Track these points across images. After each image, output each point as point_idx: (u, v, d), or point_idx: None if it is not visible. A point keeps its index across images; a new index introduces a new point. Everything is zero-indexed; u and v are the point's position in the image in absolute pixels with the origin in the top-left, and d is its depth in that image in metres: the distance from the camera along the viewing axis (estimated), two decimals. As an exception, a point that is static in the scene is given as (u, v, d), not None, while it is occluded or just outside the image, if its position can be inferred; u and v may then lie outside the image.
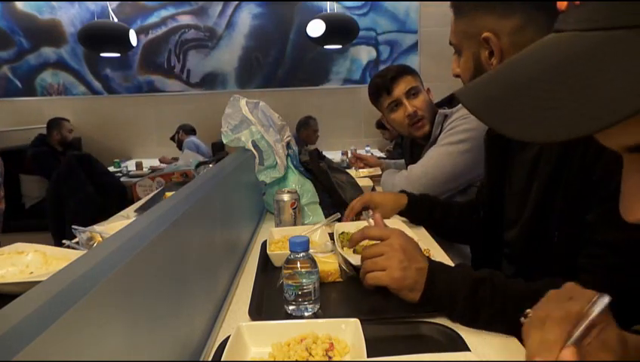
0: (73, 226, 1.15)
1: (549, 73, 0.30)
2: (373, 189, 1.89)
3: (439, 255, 1.13)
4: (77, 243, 1.13)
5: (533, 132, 0.29)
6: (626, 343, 0.52)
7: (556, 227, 0.87)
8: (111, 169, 3.99)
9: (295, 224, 1.34)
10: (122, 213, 1.71)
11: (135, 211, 1.72)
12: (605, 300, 0.49)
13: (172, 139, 4.43)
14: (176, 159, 4.12)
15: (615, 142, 0.33)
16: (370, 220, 1.20)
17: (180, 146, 4.37)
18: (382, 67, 5.10)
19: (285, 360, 0.65)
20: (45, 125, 4.07)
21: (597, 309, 0.48)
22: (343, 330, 0.70)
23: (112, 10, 4.47)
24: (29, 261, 0.99)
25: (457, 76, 1.04)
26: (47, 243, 1.09)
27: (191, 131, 4.39)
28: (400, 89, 1.65)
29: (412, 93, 1.66)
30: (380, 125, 4.46)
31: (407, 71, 1.71)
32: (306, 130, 4.19)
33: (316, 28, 3.99)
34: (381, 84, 1.69)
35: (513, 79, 0.32)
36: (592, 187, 0.79)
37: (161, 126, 4.85)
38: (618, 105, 0.26)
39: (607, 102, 0.26)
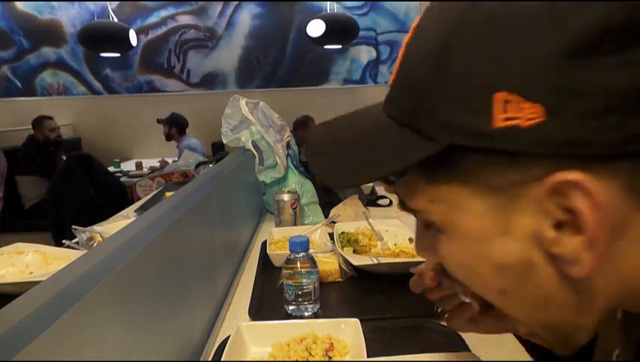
0: (73, 226, 1.15)
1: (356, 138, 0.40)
2: (372, 190, 1.89)
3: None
4: (77, 243, 1.13)
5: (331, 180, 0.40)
6: None
7: None
8: (111, 169, 3.98)
9: (295, 224, 1.34)
10: (122, 213, 1.71)
11: (135, 211, 1.72)
12: None
13: (158, 121, 4.38)
14: (167, 162, 4.12)
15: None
16: (371, 220, 1.21)
17: (169, 139, 4.34)
18: (382, 67, 5.15)
19: (285, 360, 0.65)
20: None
21: None
22: (343, 330, 0.70)
23: (112, 10, 4.47)
24: (28, 261, 0.99)
25: None
26: (47, 243, 1.09)
27: (183, 128, 4.35)
28: None
29: None
30: None
31: None
32: (303, 131, 4.18)
33: (316, 28, 3.99)
34: None
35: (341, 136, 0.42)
36: None
37: (160, 126, 4.84)
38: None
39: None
